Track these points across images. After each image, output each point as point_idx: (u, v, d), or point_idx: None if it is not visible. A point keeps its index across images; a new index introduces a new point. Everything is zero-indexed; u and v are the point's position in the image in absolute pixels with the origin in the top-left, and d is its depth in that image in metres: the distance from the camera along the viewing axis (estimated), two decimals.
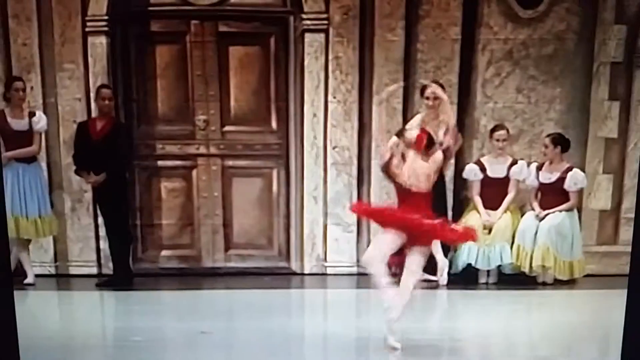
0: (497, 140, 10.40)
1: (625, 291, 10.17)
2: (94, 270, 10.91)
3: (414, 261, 7.62)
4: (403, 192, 7.54)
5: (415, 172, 7.44)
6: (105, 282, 10.51)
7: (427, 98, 10.13)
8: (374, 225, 10.75)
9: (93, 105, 10.47)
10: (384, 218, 7.65)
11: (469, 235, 7.94)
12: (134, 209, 10.95)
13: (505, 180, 10.48)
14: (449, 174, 10.35)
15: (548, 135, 10.47)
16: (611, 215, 10.98)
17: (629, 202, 10.86)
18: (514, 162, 10.48)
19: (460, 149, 10.39)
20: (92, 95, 10.50)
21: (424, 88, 10.25)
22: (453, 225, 8.07)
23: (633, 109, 10.73)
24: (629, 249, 10.88)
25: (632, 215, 10.60)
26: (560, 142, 10.35)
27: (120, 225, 10.46)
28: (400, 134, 7.77)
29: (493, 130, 10.48)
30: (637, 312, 4.66)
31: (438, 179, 10.17)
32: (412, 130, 7.71)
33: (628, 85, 10.70)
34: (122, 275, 10.46)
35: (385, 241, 7.58)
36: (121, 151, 10.30)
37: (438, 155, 7.62)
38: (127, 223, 10.59)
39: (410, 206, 7.48)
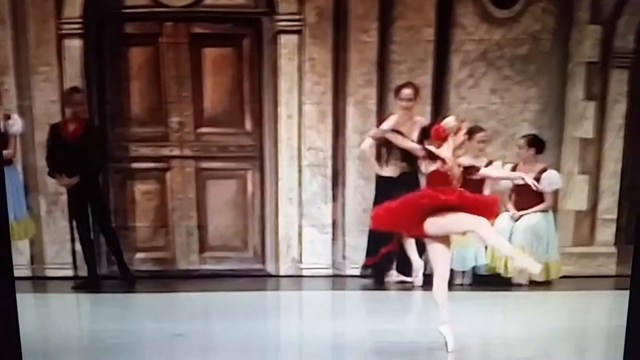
0: (478, 142, 10.36)
1: (603, 292, 10.25)
2: (70, 273, 10.87)
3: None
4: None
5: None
6: (81, 285, 10.49)
7: (402, 99, 10.13)
8: (349, 227, 10.79)
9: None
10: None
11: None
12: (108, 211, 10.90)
13: (481, 181, 10.41)
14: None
15: (523, 137, 10.45)
16: (587, 216, 10.97)
17: (605, 203, 10.89)
18: (489, 163, 10.44)
19: None
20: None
21: (398, 89, 10.25)
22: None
23: (609, 109, 10.73)
24: (606, 249, 10.99)
25: (609, 216, 10.78)
26: (534, 143, 10.32)
27: (104, 226, 10.52)
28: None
29: (473, 132, 10.43)
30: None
31: (414, 178, 10.27)
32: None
33: (604, 85, 10.70)
34: (124, 276, 10.62)
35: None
36: (94, 154, 10.25)
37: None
38: (109, 222, 10.62)
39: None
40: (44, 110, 10.57)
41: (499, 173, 9.78)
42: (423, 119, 10.25)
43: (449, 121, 7.71)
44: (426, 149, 7.54)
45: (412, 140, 9.27)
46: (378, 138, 10.08)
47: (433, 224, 7.45)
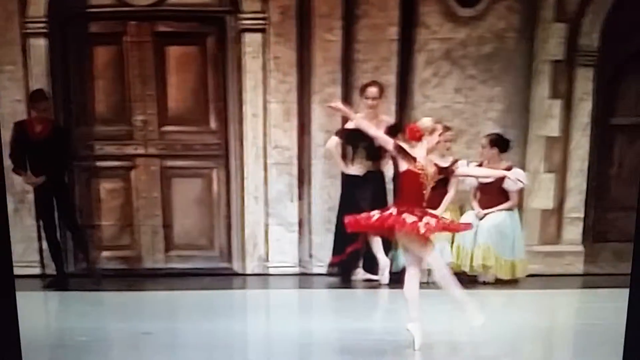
0: (445, 141, 10.35)
1: (571, 291, 10.25)
2: (38, 271, 10.87)
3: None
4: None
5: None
6: (50, 283, 10.57)
7: (367, 97, 10.12)
8: (315, 226, 10.78)
9: None
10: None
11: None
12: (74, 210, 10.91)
13: (445, 179, 10.41)
14: (389, 174, 10.28)
15: (486, 136, 10.43)
16: (553, 214, 10.94)
17: (572, 202, 10.88)
18: (455, 162, 10.42)
19: None
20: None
21: (363, 88, 10.24)
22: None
23: (575, 107, 10.71)
24: (572, 248, 10.99)
25: (576, 214, 10.79)
26: (497, 143, 10.31)
27: (71, 225, 10.59)
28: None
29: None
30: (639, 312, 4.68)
31: (379, 177, 10.24)
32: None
33: (569, 84, 10.67)
34: (91, 274, 10.65)
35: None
36: (60, 154, 10.30)
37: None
38: (75, 221, 10.65)
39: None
40: (10, 109, 10.55)
41: (480, 172, 9.79)
42: (389, 117, 10.28)
43: (425, 121, 7.72)
44: (397, 144, 7.52)
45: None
46: (345, 131, 10.11)
47: (402, 237, 7.58)
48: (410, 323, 7.68)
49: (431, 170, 7.55)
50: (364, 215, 7.64)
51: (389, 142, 7.66)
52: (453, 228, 8.35)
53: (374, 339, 8.12)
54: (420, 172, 7.47)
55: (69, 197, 10.63)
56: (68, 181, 10.68)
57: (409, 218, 7.41)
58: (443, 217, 8.04)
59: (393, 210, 7.53)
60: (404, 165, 7.51)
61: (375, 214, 7.57)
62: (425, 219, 7.45)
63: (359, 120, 8.59)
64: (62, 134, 10.41)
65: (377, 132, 8.07)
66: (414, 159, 7.46)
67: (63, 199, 10.43)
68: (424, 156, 7.53)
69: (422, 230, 7.42)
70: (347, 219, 7.72)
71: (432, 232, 7.57)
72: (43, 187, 10.26)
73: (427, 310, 8.74)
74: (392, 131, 10.14)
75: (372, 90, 10.17)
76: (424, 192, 7.58)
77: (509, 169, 10.24)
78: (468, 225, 8.61)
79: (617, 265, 10.78)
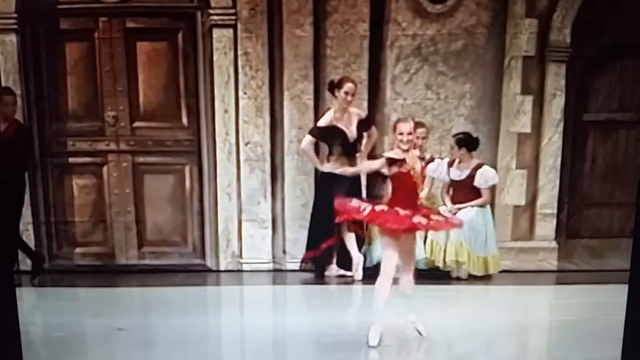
0: (418, 137, 10.35)
1: (544, 287, 10.25)
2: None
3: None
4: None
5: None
6: (33, 275, 10.47)
7: (347, 93, 10.09)
8: (289, 222, 10.79)
9: None
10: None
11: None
12: (48, 206, 10.98)
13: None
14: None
15: (454, 136, 10.44)
16: (526, 210, 10.95)
17: (544, 198, 10.88)
18: (432, 160, 10.42)
19: (373, 145, 10.34)
20: None
21: (340, 83, 10.16)
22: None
23: (546, 103, 10.70)
24: (546, 244, 10.99)
25: (549, 210, 10.79)
26: (464, 143, 10.29)
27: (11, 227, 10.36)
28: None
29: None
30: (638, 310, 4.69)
31: (356, 176, 10.22)
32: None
33: (541, 79, 10.67)
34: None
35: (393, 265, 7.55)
36: (21, 153, 10.22)
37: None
38: (18, 222, 10.43)
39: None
40: None
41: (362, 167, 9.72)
42: (359, 110, 10.28)
43: (409, 120, 7.72)
44: (388, 159, 7.48)
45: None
46: (319, 129, 10.16)
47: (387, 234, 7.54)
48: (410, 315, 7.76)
49: (418, 167, 7.52)
50: (354, 205, 7.60)
51: (383, 166, 7.59)
52: (445, 226, 8.18)
53: (347, 333, 8.08)
54: (410, 172, 7.44)
55: (23, 199, 10.46)
56: (42, 177, 10.76)
57: (401, 214, 7.37)
58: (435, 215, 7.89)
59: (384, 207, 7.49)
60: (393, 169, 7.48)
61: (367, 208, 7.52)
62: (417, 217, 7.42)
63: (360, 168, 8.75)
64: (24, 133, 10.34)
65: (374, 166, 7.91)
66: (404, 161, 7.43)
67: (20, 199, 10.31)
68: (410, 155, 7.49)
69: (420, 226, 7.43)
70: (338, 206, 7.67)
71: (426, 229, 7.58)
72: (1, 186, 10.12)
73: (400, 305, 8.78)
74: (364, 124, 10.20)
75: (351, 86, 10.12)
76: (418, 190, 7.56)
77: (479, 167, 10.30)
78: (459, 224, 8.47)
79: (591, 261, 10.83)
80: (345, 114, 10.07)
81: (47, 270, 10.72)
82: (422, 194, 10.18)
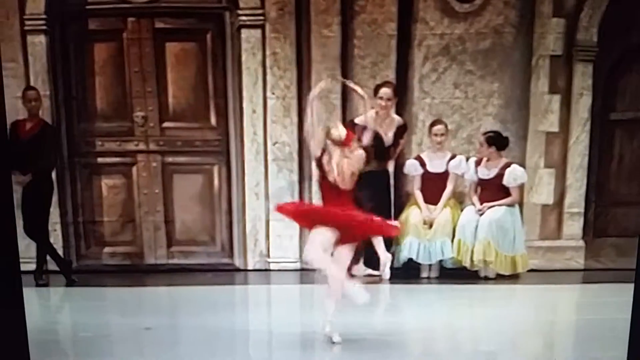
0: (436, 135, 10.39)
1: (571, 286, 10.23)
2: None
3: (342, 254, 7.57)
4: (330, 190, 7.51)
5: (342, 170, 7.42)
6: (68, 278, 10.51)
7: (381, 98, 10.12)
8: None
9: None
10: (313, 217, 7.60)
11: (394, 229, 8.26)
12: (76, 206, 11.02)
13: (445, 174, 10.47)
14: (391, 170, 10.35)
15: (484, 134, 10.43)
16: (554, 209, 10.94)
17: (572, 197, 10.88)
18: (453, 157, 10.47)
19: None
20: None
21: (377, 88, 10.22)
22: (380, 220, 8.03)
23: (574, 102, 10.69)
24: (573, 243, 10.98)
25: (576, 209, 10.78)
26: (494, 141, 10.30)
27: (41, 226, 10.39)
28: (327, 131, 7.68)
29: (431, 125, 10.48)
30: None
31: (383, 175, 10.23)
32: (339, 128, 7.63)
33: (568, 79, 10.65)
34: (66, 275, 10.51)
35: (324, 235, 7.48)
36: (48, 152, 10.28)
37: (360, 153, 7.57)
38: (46, 224, 10.47)
39: (337, 203, 7.47)
40: (10, 106, 10.47)
41: None
42: (399, 118, 10.33)
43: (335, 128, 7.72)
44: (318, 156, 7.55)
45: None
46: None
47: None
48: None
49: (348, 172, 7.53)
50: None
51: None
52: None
53: (373, 333, 8.13)
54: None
55: (51, 200, 10.48)
56: (70, 178, 10.84)
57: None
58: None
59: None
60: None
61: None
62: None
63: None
64: (50, 132, 10.39)
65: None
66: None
67: (48, 198, 10.36)
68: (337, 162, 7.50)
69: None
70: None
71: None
72: (29, 186, 10.14)
73: (428, 305, 8.80)
74: (401, 131, 10.26)
75: (386, 91, 10.16)
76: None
77: (507, 165, 10.31)
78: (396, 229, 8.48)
79: (618, 260, 10.77)
80: (386, 119, 10.12)
81: (75, 271, 10.73)
82: (447, 193, 10.32)
